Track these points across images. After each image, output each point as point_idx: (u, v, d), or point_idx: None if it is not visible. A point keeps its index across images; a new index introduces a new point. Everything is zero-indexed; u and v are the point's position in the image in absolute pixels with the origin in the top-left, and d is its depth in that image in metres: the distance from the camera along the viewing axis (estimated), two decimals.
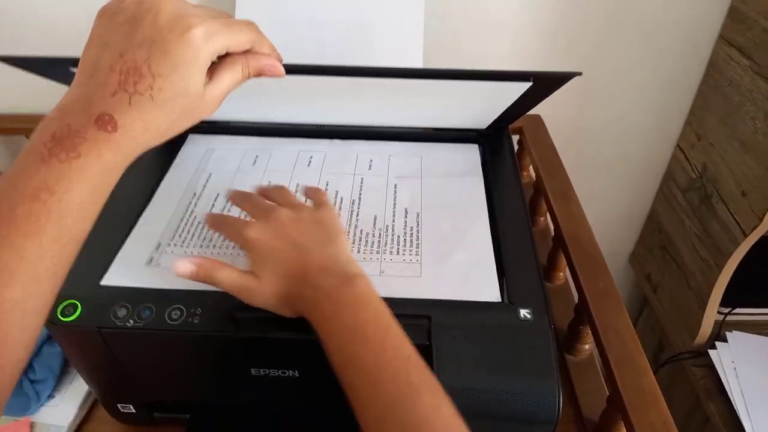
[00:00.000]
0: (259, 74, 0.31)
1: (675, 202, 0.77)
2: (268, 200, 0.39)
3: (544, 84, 0.35)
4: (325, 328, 0.31)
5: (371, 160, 0.51)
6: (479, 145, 0.52)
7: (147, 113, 0.27)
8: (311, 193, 0.42)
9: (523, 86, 0.35)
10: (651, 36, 0.69)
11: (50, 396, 0.46)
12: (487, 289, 0.38)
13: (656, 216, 0.83)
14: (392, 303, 0.37)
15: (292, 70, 0.32)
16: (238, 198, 0.40)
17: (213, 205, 0.46)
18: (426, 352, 0.34)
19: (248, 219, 0.38)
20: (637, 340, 0.42)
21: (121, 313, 0.36)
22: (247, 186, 0.47)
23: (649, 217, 0.85)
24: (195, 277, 0.33)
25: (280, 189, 0.40)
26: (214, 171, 0.50)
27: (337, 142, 0.53)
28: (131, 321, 0.35)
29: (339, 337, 0.31)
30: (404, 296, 0.37)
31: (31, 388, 0.45)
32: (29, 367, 0.46)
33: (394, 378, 0.29)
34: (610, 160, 0.81)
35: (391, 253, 0.41)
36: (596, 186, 0.83)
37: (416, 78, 0.35)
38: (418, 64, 0.53)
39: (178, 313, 0.35)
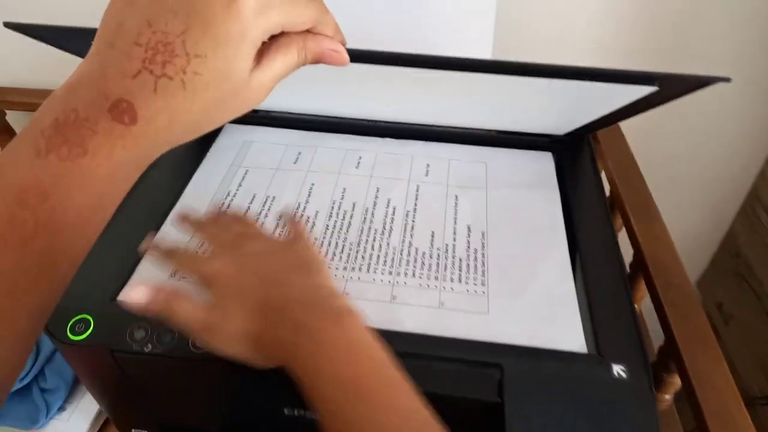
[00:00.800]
0: (317, 60, 0.24)
1: (759, 225, 0.68)
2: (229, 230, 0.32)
3: (670, 90, 0.27)
4: (308, 382, 0.24)
5: (428, 165, 0.44)
6: (553, 153, 0.45)
7: (176, 103, 0.21)
8: (289, 223, 0.35)
9: (642, 91, 0.28)
10: (739, 32, 0.59)
11: (61, 408, 0.41)
12: (570, 335, 0.31)
13: (734, 238, 0.74)
14: (454, 344, 0.31)
15: (358, 57, 0.25)
16: (192, 223, 0.33)
17: (248, 207, 0.40)
18: (496, 409, 0.28)
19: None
20: (740, 400, 0.35)
21: (139, 335, 0.31)
22: (288, 186, 0.42)
23: (726, 238, 0.76)
24: (151, 310, 0.27)
25: (245, 221, 0.34)
26: (252, 167, 0.44)
27: (389, 141, 0.47)
28: (149, 345, 0.30)
29: (326, 395, 0.24)
30: (468, 337, 0.31)
31: (41, 397, 0.41)
32: (40, 374, 0.42)
33: None
34: (681, 172, 0.72)
35: (451, 280, 0.35)
36: (664, 199, 0.74)
37: (509, 74, 0.29)
38: (487, 53, 0.46)
39: None
